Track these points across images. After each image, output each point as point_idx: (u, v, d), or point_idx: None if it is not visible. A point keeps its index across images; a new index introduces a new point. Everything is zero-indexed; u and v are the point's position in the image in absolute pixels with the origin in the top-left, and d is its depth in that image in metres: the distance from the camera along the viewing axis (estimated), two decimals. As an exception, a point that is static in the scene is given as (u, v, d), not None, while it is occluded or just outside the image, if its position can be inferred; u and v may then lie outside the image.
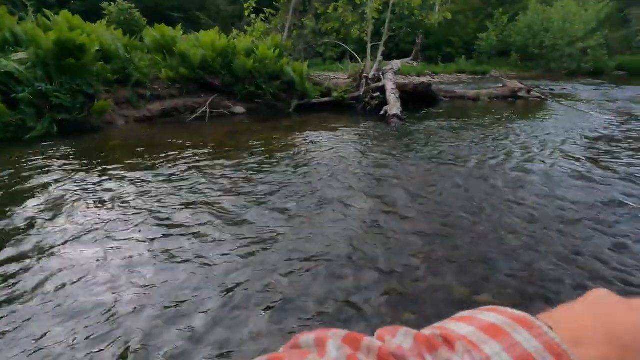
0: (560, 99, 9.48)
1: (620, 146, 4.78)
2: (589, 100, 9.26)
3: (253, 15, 10.34)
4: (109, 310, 1.76)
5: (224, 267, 2.13)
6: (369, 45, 9.21)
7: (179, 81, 7.31)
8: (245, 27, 10.28)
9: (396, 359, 0.22)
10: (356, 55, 9.26)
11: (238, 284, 1.97)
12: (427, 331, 0.25)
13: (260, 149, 4.82)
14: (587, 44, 18.70)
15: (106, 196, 3.22)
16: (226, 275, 2.05)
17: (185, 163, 4.19)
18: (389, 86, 7.71)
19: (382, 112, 6.78)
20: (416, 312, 1.76)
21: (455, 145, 4.93)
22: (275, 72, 7.54)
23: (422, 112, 7.83)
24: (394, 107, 6.73)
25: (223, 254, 2.27)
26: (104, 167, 4.07)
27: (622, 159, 4.20)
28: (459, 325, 0.25)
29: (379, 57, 8.94)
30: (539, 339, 0.23)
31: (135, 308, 1.78)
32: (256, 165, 4.07)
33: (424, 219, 2.75)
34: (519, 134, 5.52)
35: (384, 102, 7.29)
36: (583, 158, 4.27)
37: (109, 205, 3.03)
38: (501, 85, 10.39)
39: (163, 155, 4.53)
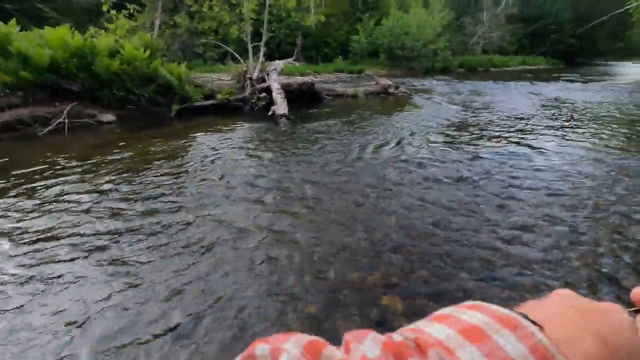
0: (422, 93, 11.02)
1: (467, 131, 5.82)
2: (443, 94, 11.00)
3: (114, 11, 9.14)
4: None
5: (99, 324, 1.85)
6: (250, 45, 9.13)
7: (21, 87, 6.01)
8: (105, 24, 9.03)
9: None
10: (237, 56, 9.07)
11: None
12: (398, 336, 0.23)
13: (134, 163, 4.32)
14: (437, 46, 22.13)
15: None
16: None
17: (34, 190, 3.49)
18: (275, 86, 7.79)
19: (270, 113, 6.81)
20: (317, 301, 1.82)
21: (341, 140, 5.28)
22: (148, 75, 6.84)
23: (309, 110, 8.14)
24: (281, 107, 6.83)
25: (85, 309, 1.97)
26: None
27: (467, 142, 5.12)
28: (437, 327, 0.23)
29: (261, 58, 8.94)
30: (525, 341, 0.21)
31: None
32: (127, 183, 3.64)
33: (317, 213, 2.88)
34: (392, 126, 6.21)
35: (271, 103, 7.34)
36: (440, 142, 5.07)
37: None
38: (374, 82, 11.52)
39: (4, 182, 3.68)
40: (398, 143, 5.05)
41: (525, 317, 0.23)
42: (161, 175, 3.81)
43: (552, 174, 3.72)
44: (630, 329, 0.26)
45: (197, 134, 5.75)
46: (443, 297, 1.86)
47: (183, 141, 5.35)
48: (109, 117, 6.46)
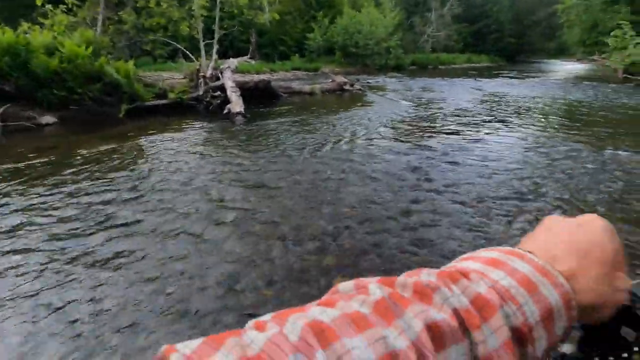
0: (375, 90, 11.40)
1: (415, 125, 6.16)
2: (395, 90, 11.46)
3: (49, 6, 8.49)
4: None
5: None
6: (202, 43, 8.94)
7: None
8: (40, 19, 8.34)
9: (431, 289, 0.26)
10: (189, 54, 8.83)
11: (76, 318, 1.71)
12: (445, 269, 0.30)
13: (80, 168, 4.13)
14: (389, 44, 22.91)
15: None
16: None
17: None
18: (229, 84, 7.71)
19: (225, 111, 6.74)
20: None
21: (298, 136, 5.39)
22: (93, 73, 6.49)
23: (266, 108, 8.15)
24: (236, 105, 6.79)
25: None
26: None
27: (417, 135, 5.44)
28: (468, 262, 0.30)
29: (214, 56, 8.79)
30: (530, 264, 0.29)
31: None
32: (69, 191, 3.50)
33: (277, 204, 2.96)
34: (348, 121, 6.42)
35: (226, 101, 7.25)
36: (392, 136, 5.34)
37: None
38: (330, 80, 11.73)
39: None
40: (350, 139, 5.26)
41: (524, 250, 0.31)
42: (105, 180, 3.69)
43: (488, 161, 4.09)
44: (604, 233, 0.33)
45: (149, 135, 5.57)
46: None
47: (131, 142, 5.17)
48: (49, 119, 6.05)
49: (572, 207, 2.91)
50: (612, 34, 14.22)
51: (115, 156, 4.47)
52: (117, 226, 2.64)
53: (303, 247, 2.36)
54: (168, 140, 5.29)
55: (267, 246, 2.37)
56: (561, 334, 0.29)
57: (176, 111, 7.42)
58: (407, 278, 0.27)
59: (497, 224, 2.65)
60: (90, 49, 6.48)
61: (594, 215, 0.35)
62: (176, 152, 4.70)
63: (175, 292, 1.93)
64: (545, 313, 0.27)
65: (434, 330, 0.24)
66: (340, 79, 11.60)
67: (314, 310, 0.24)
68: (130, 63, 7.13)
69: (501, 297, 0.27)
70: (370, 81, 14.36)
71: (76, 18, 9.04)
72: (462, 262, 0.31)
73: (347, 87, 11.14)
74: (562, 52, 34.88)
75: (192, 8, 8.83)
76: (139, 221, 2.71)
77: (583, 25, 21.19)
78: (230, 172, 3.87)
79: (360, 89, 11.12)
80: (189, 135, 5.61)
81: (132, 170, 3.94)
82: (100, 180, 3.58)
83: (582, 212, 2.78)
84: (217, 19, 9.11)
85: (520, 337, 0.26)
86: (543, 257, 0.30)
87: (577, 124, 6.12)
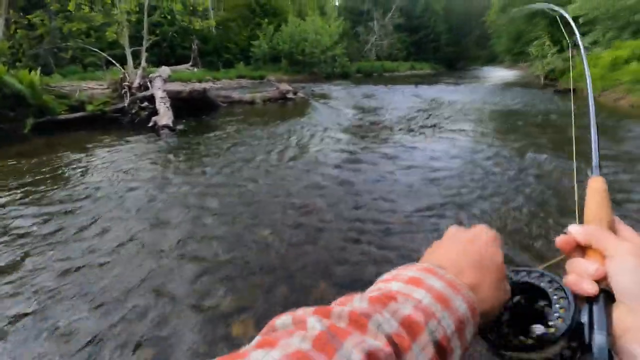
0: (319, 98, 11.33)
1: (353, 133, 6.09)
2: (338, 98, 11.48)
3: None
4: None
5: None
6: (128, 50, 8.26)
7: None
8: None
9: (365, 317, 0.27)
10: (113, 62, 8.11)
11: None
12: (374, 292, 0.31)
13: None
14: (335, 53, 23.20)
15: None
16: None
17: None
18: (158, 94, 7.15)
19: (150, 124, 6.19)
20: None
21: (227, 152, 5.04)
22: (-11, 84, 5.64)
23: (200, 119, 7.68)
24: (164, 116, 6.27)
25: None
26: None
27: (361, 142, 5.35)
28: (392, 284, 0.32)
29: (143, 64, 8.16)
30: (442, 280, 0.32)
31: None
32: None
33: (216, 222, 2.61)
34: (286, 132, 6.18)
35: (155, 113, 6.70)
36: (330, 148, 5.19)
37: None
38: (274, 88, 11.47)
39: None
40: (297, 146, 5.08)
41: (436, 266, 0.34)
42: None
43: (422, 167, 4.06)
44: (493, 244, 0.38)
45: (54, 156, 4.91)
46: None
47: (35, 165, 4.50)
48: None
49: (493, 213, 2.90)
50: (534, 44, 15.54)
51: (10, 179, 3.82)
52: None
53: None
54: (76, 158, 4.68)
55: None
56: (469, 339, 0.31)
57: (97, 125, 6.70)
58: (343, 307, 0.28)
59: (422, 239, 2.54)
60: (-16, 56, 5.63)
61: (484, 227, 0.40)
62: (85, 169, 4.15)
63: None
64: (459, 324, 0.30)
65: (371, 359, 0.24)
66: (284, 87, 11.37)
67: (256, 356, 0.23)
68: (36, 72, 6.32)
69: (425, 314, 0.29)
70: (315, 89, 14.31)
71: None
72: (387, 283, 0.32)
73: (290, 95, 10.94)
74: (493, 60, 37.77)
75: (115, 13, 8.11)
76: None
77: (509, 36, 23.05)
78: (142, 189, 3.45)
79: (303, 97, 10.99)
80: (103, 151, 5.04)
81: (24, 193, 3.36)
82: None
83: (499, 218, 2.77)
84: (145, 25, 8.47)
85: (442, 350, 0.28)
86: (452, 271, 0.34)
87: (505, 128, 6.43)
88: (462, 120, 7.27)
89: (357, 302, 0.29)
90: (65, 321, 1.76)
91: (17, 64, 8.06)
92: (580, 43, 0.66)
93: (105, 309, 1.84)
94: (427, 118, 7.52)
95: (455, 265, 0.34)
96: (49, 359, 1.56)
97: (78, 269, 2.20)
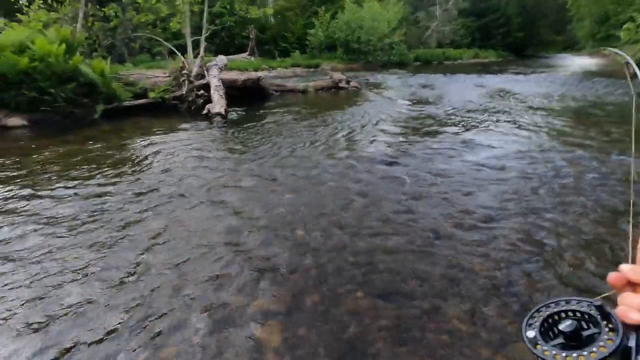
0: (373, 88, 10.95)
1: (407, 126, 5.74)
2: (393, 87, 11.01)
3: (24, 1, 8.18)
4: None
5: None
6: (189, 39, 8.59)
7: None
8: (19, 15, 8.03)
9: None
10: (175, 51, 8.49)
11: None
12: None
13: (34, 174, 3.80)
14: (392, 40, 22.31)
15: None
16: None
17: None
18: (214, 83, 7.34)
19: (204, 111, 6.38)
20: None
21: (275, 139, 5.01)
22: (67, 73, 6.16)
23: (252, 107, 7.78)
24: (217, 104, 6.42)
25: None
26: None
27: (415, 136, 5.02)
28: None
29: (202, 53, 8.44)
30: None
31: None
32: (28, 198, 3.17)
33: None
34: (332, 123, 6.01)
35: (210, 100, 6.90)
36: (382, 139, 4.93)
37: None
38: (328, 77, 11.31)
39: None
40: (347, 137, 4.96)
41: None
42: (59, 188, 3.35)
43: (483, 166, 3.67)
44: None
45: (118, 139, 5.24)
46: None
47: (100, 145, 4.84)
48: (16, 121, 5.74)
49: (565, 227, 2.49)
50: (624, 27, 13.52)
51: (75, 160, 4.14)
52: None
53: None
54: (133, 144, 4.94)
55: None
56: None
57: (157, 112, 7.08)
58: None
59: (474, 252, 2.24)
60: (64, 46, 6.15)
61: None
62: (142, 154, 4.37)
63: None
64: None
65: None
66: (337, 76, 11.15)
67: None
68: (106, 61, 6.78)
69: None
70: (369, 78, 13.87)
71: (57, 15, 8.73)
72: None
73: (343, 84, 10.69)
74: (571, 46, 33.78)
75: (178, 4, 8.45)
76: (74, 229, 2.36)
77: (593, 18, 20.37)
78: (192, 176, 3.52)
79: (356, 87, 10.68)
80: (159, 139, 5.26)
81: (94, 175, 3.61)
82: (52, 184, 3.25)
83: (573, 233, 2.36)
84: (205, 15, 8.74)
85: None
86: None
87: (581, 124, 5.64)
88: (531, 113, 6.53)
89: None
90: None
91: (94, 54, 8.83)
92: None
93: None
94: (491, 110, 6.86)
95: None
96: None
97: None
